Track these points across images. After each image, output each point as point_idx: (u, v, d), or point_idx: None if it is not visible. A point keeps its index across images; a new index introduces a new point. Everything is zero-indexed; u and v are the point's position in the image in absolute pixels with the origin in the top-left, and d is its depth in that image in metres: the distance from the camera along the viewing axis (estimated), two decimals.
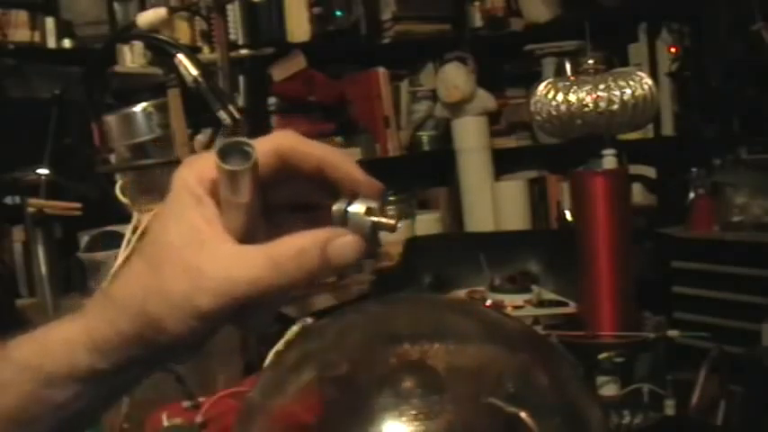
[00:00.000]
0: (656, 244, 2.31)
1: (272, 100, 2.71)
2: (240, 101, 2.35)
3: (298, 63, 2.71)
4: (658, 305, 1.19)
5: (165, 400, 0.93)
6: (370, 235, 0.41)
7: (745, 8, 2.07)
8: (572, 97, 0.94)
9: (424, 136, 3.03)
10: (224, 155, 0.39)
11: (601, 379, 0.93)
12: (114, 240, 1.32)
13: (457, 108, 2.88)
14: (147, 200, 1.12)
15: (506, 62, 3.02)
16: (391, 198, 2.82)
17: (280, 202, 0.43)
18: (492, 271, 1.31)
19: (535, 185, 2.94)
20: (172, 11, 1.22)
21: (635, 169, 2.11)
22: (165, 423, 0.88)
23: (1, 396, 0.42)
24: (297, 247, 0.39)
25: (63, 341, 0.41)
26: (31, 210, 1.37)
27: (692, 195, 2.30)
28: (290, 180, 0.42)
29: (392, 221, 0.41)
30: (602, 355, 0.92)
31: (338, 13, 2.81)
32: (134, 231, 1.10)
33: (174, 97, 1.11)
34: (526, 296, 1.19)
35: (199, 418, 0.87)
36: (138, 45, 2.33)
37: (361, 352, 0.49)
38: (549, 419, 0.44)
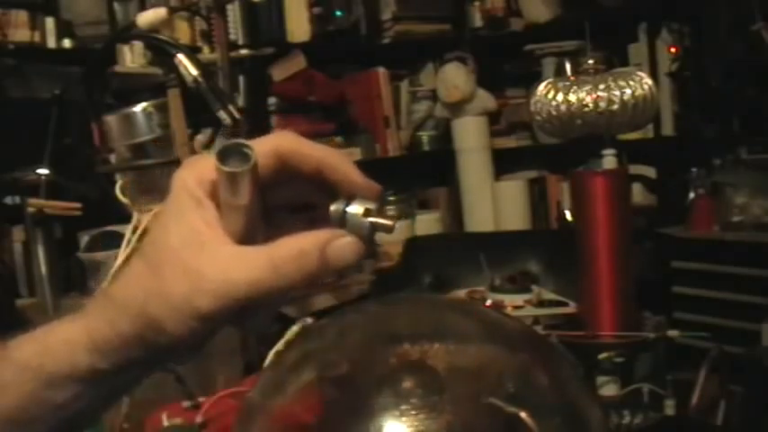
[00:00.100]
0: (656, 244, 2.31)
1: (272, 100, 2.71)
2: (240, 101, 2.35)
3: (298, 63, 2.71)
4: (658, 305, 1.19)
5: (165, 400, 0.93)
6: (369, 236, 0.41)
7: (745, 8, 2.07)
8: (572, 97, 0.94)
9: (424, 136, 3.03)
10: (223, 157, 0.39)
11: (601, 379, 0.93)
12: (114, 240, 1.32)
13: (457, 108, 2.88)
14: (147, 200, 1.12)
15: (506, 62, 3.02)
16: (391, 198, 2.82)
17: (279, 204, 0.43)
18: (492, 271, 1.31)
19: (535, 185, 2.94)
20: (172, 11, 1.22)
21: (635, 169, 2.11)
22: (165, 423, 0.89)
23: (1, 396, 0.42)
24: (296, 249, 0.40)
25: (63, 341, 0.42)
26: (31, 210, 1.37)
27: (692, 195, 2.30)
28: (290, 181, 0.42)
29: (390, 222, 0.41)
30: (602, 355, 0.92)
31: (338, 13, 2.81)
32: (134, 231, 1.10)
33: (174, 97, 1.11)
34: (526, 296, 1.19)
35: (199, 418, 0.87)
36: (138, 45, 2.33)
37: (361, 352, 0.49)
38: (549, 419, 0.44)
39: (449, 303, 0.66)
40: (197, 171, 0.41)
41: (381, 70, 2.93)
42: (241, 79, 2.46)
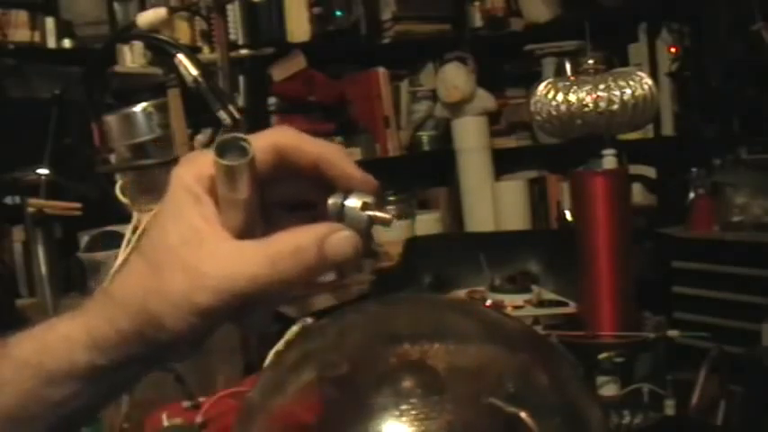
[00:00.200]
0: (656, 244, 2.31)
1: (272, 100, 2.72)
2: (240, 101, 2.35)
3: (298, 63, 2.71)
4: (658, 305, 1.19)
5: (165, 400, 0.93)
6: (367, 230, 0.41)
7: (745, 8, 2.07)
8: (572, 97, 0.94)
9: (424, 136, 3.03)
10: (221, 150, 0.38)
11: (601, 379, 0.93)
12: (114, 240, 1.32)
13: (457, 108, 2.88)
14: (147, 200, 1.12)
15: (506, 62, 3.02)
16: (391, 198, 2.82)
17: (277, 199, 0.43)
18: (492, 271, 1.31)
19: (535, 185, 2.94)
20: (172, 11, 1.22)
21: (635, 169, 2.11)
22: (165, 423, 0.89)
23: (0, 394, 0.42)
24: (294, 244, 0.39)
25: (63, 339, 0.42)
26: (31, 210, 1.37)
27: (692, 195, 2.30)
28: (288, 176, 0.42)
29: (388, 216, 0.41)
30: (602, 355, 0.92)
31: (338, 13, 2.81)
32: (134, 231, 1.10)
33: (174, 97, 1.11)
34: (526, 296, 1.19)
35: (199, 418, 0.87)
36: (138, 45, 2.34)
37: (361, 352, 0.49)
38: (549, 419, 0.44)
39: (449, 303, 0.66)
40: (195, 167, 0.40)
41: (381, 70, 2.93)
42: (241, 79, 2.46)
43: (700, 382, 0.90)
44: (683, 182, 2.33)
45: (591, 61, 0.98)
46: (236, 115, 1.07)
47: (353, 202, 0.41)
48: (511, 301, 1.18)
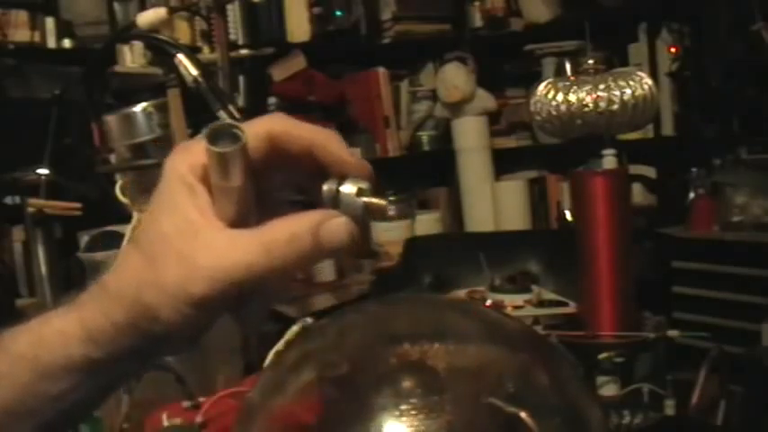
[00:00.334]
0: (656, 244, 2.31)
1: (272, 100, 2.71)
2: (240, 101, 2.35)
3: (298, 63, 2.71)
4: (658, 305, 1.19)
5: (165, 400, 0.93)
6: (362, 216, 0.40)
7: (745, 8, 2.07)
8: (572, 97, 0.94)
9: (424, 136, 3.03)
10: (213, 138, 0.38)
11: (601, 379, 0.93)
12: (114, 240, 1.32)
13: (457, 108, 2.88)
14: (146, 200, 1.11)
15: (506, 62, 3.02)
16: (391, 198, 2.82)
17: (272, 187, 0.43)
18: (492, 271, 1.31)
19: (535, 185, 2.94)
20: (172, 11, 1.22)
21: (635, 169, 2.11)
22: (165, 423, 0.88)
23: None
24: (289, 231, 0.39)
25: (58, 332, 0.41)
26: (31, 210, 1.37)
27: (692, 195, 2.30)
28: (282, 163, 0.41)
29: (383, 202, 0.40)
30: (602, 355, 0.92)
31: (338, 13, 2.81)
32: (134, 231, 1.10)
33: (174, 97, 1.11)
34: (526, 296, 1.19)
35: (199, 418, 0.87)
36: (138, 45, 2.34)
37: (361, 352, 0.49)
38: (549, 419, 0.44)
39: (449, 303, 0.66)
40: (189, 156, 0.40)
41: (381, 70, 2.93)
42: (241, 79, 2.45)
43: (700, 382, 0.90)
44: (683, 182, 2.33)
45: (591, 61, 0.98)
46: (236, 115, 1.07)
47: (348, 189, 0.40)
48: (511, 301, 1.18)
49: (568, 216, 1.93)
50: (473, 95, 2.85)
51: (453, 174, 2.95)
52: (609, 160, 0.95)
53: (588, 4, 2.54)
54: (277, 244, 0.39)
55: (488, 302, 1.18)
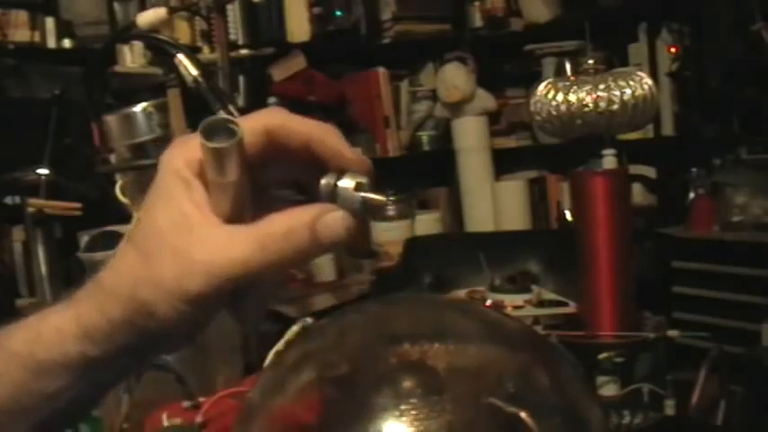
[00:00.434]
0: (656, 244, 2.31)
1: (272, 100, 2.71)
2: (240, 101, 2.35)
3: (298, 63, 2.71)
4: (658, 305, 1.19)
5: (165, 400, 0.93)
6: (360, 211, 0.40)
7: (745, 8, 2.07)
8: (572, 97, 0.94)
9: (424, 136, 3.03)
10: (208, 133, 0.37)
11: (601, 379, 0.93)
12: (114, 240, 1.32)
13: (457, 108, 2.88)
14: None
15: (506, 62, 3.02)
16: (391, 198, 2.82)
17: (270, 181, 0.42)
18: (492, 271, 1.31)
19: (535, 185, 2.94)
20: (172, 11, 1.22)
21: (635, 169, 2.11)
22: (165, 423, 0.88)
23: None
24: (286, 226, 0.39)
25: (54, 329, 0.41)
26: (31, 210, 1.37)
27: (692, 195, 2.30)
28: (280, 158, 0.41)
29: (382, 198, 0.40)
30: (602, 355, 0.92)
31: (338, 13, 2.81)
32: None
33: (174, 97, 1.11)
34: (526, 296, 1.19)
35: (199, 418, 0.87)
36: (138, 45, 2.34)
37: (361, 352, 0.49)
38: (549, 419, 0.44)
39: (449, 303, 0.66)
40: (185, 151, 0.40)
41: (381, 70, 2.93)
42: (241, 79, 2.46)
43: (700, 382, 0.90)
44: (683, 182, 2.33)
45: (591, 61, 0.98)
46: (237, 115, 1.07)
47: (346, 183, 0.40)
48: (511, 301, 1.18)
49: (568, 216, 1.93)
50: (473, 95, 2.85)
51: (453, 174, 2.95)
52: (609, 160, 0.95)
53: (588, 4, 2.54)
54: (273, 238, 0.38)
55: (488, 302, 1.18)
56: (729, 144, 2.24)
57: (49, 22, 2.38)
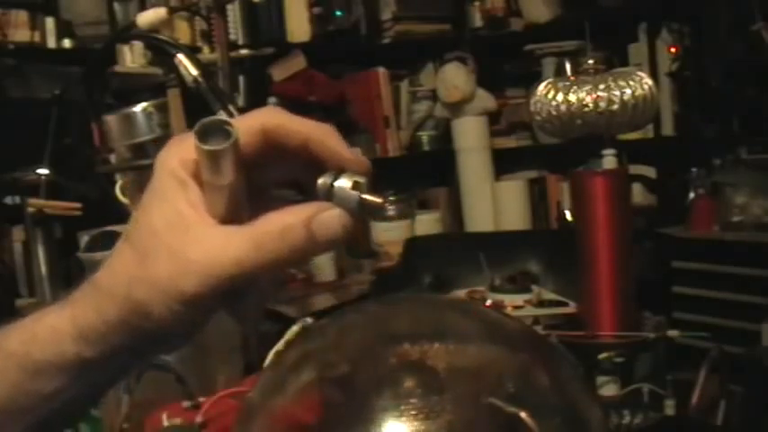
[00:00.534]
0: (656, 244, 2.31)
1: (272, 100, 2.71)
2: (240, 101, 2.35)
3: (298, 63, 2.71)
4: (658, 305, 1.19)
5: (165, 400, 0.93)
6: (358, 210, 0.39)
7: (745, 8, 2.07)
8: (572, 97, 0.94)
9: (424, 136, 3.03)
10: (203, 135, 0.37)
11: (601, 379, 0.93)
12: (114, 240, 1.32)
13: (457, 108, 2.88)
14: None
15: (506, 62, 3.02)
16: (391, 198, 2.82)
17: (268, 182, 0.42)
18: (492, 271, 1.31)
19: (535, 185, 2.94)
20: (172, 11, 1.22)
21: (635, 169, 2.11)
22: (165, 423, 0.88)
23: None
24: (281, 224, 0.39)
25: (50, 330, 0.41)
26: (31, 210, 1.37)
27: (692, 195, 2.30)
28: (278, 159, 0.40)
29: (379, 199, 0.40)
30: (602, 355, 0.92)
31: (338, 13, 2.81)
32: None
33: (174, 97, 1.11)
34: (526, 296, 1.19)
35: (199, 418, 0.87)
36: (138, 45, 2.34)
37: (361, 352, 0.49)
38: (549, 419, 0.44)
39: (449, 303, 0.66)
40: (181, 151, 0.40)
41: (381, 70, 2.93)
42: (241, 79, 2.46)
43: (700, 382, 0.90)
44: (683, 182, 2.33)
45: (591, 61, 0.98)
46: (237, 115, 1.07)
47: (343, 182, 0.40)
48: (511, 301, 1.18)
49: (568, 216, 1.93)
50: (473, 95, 2.85)
51: (453, 174, 2.95)
52: (609, 160, 0.95)
53: (588, 4, 2.54)
54: (269, 237, 0.38)
55: (488, 302, 1.18)
56: (729, 144, 2.24)
57: (49, 22, 2.37)
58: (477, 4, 2.99)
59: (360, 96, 2.93)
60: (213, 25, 1.49)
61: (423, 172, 3.06)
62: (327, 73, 2.83)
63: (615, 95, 0.92)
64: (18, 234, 2.05)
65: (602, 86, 0.93)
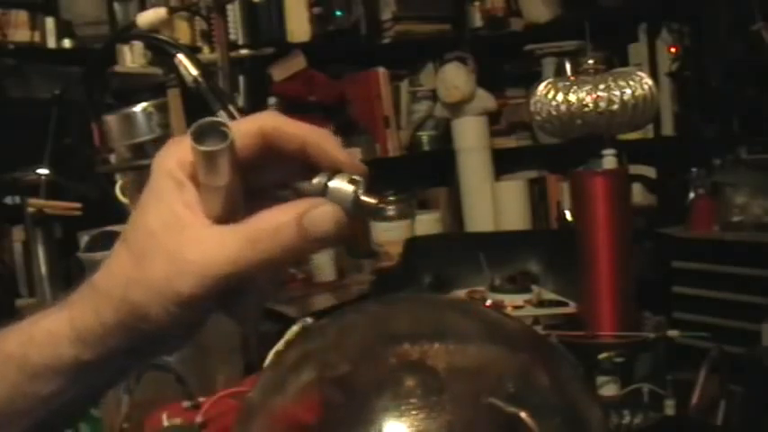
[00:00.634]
0: (656, 244, 2.31)
1: (272, 100, 2.71)
2: (240, 101, 2.35)
3: (298, 63, 2.71)
4: (658, 305, 1.19)
5: (165, 400, 0.93)
6: (352, 208, 0.40)
7: (745, 8, 2.07)
8: (572, 97, 0.94)
9: (424, 136, 3.03)
10: (199, 136, 0.37)
11: (601, 379, 0.93)
12: (114, 240, 1.32)
13: (457, 108, 2.88)
14: None
15: (506, 62, 3.02)
16: (391, 198, 2.82)
17: (264, 185, 0.42)
18: (492, 271, 1.31)
19: (535, 185, 2.94)
20: (172, 11, 1.22)
21: (635, 169, 2.11)
22: (165, 423, 0.88)
23: None
24: (274, 222, 0.39)
25: (48, 332, 0.41)
26: (31, 210, 1.37)
27: (692, 195, 2.30)
28: (274, 161, 0.41)
29: (374, 200, 0.40)
30: (602, 355, 0.92)
31: (338, 13, 2.81)
32: None
33: (174, 97, 1.11)
34: (526, 296, 1.19)
35: (199, 418, 0.87)
36: (138, 45, 2.34)
37: (361, 352, 0.49)
38: (549, 419, 0.44)
39: (449, 303, 0.66)
40: (178, 151, 0.40)
41: (381, 70, 2.93)
42: (241, 79, 2.45)
43: (700, 382, 0.90)
44: (683, 182, 2.33)
45: (591, 61, 0.98)
46: (236, 115, 1.07)
47: (338, 182, 0.40)
48: (511, 301, 1.18)
49: (568, 216, 1.93)
50: (473, 95, 2.85)
51: (453, 174, 2.95)
52: (609, 160, 0.95)
53: (588, 4, 2.54)
54: (263, 234, 0.38)
55: (488, 302, 1.18)
56: (729, 144, 2.24)
57: (49, 22, 2.37)
58: (477, 4, 2.99)
59: (360, 96, 2.93)
60: (213, 25, 1.49)
61: (423, 172, 3.06)
62: (327, 73, 2.83)
63: (615, 95, 0.92)
64: (18, 234, 2.05)
65: (602, 86, 0.93)
